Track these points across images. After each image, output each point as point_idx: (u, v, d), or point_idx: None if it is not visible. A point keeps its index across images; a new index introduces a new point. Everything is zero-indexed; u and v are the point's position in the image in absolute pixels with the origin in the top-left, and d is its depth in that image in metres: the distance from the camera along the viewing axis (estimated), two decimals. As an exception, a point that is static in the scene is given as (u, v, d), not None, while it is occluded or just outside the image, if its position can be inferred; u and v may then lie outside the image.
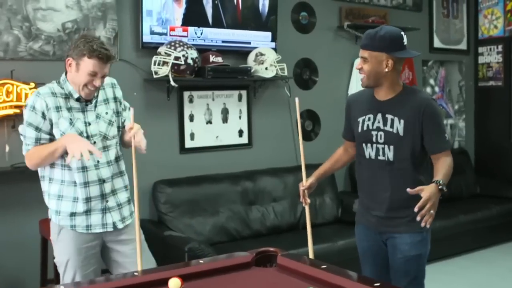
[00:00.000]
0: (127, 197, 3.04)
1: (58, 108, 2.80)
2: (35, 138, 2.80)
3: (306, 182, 3.23)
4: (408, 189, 2.61)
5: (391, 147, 2.82)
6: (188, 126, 4.80)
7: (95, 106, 2.92)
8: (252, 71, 4.82)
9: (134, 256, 2.82)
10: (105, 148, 2.92)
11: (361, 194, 3.07)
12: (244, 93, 5.10)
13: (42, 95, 2.80)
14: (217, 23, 4.80)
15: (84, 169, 2.84)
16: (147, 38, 4.45)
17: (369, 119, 2.90)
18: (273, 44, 5.09)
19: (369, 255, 3.06)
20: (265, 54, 4.85)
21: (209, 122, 4.93)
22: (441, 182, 2.64)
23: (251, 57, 4.89)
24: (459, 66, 6.93)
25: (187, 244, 3.90)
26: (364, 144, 2.93)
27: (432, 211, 2.54)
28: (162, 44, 4.45)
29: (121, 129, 3.03)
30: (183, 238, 4.08)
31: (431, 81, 6.67)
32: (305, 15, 5.52)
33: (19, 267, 4.10)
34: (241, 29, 4.94)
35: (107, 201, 2.91)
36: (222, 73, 4.61)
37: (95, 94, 2.91)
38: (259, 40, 5.02)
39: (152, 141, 4.53)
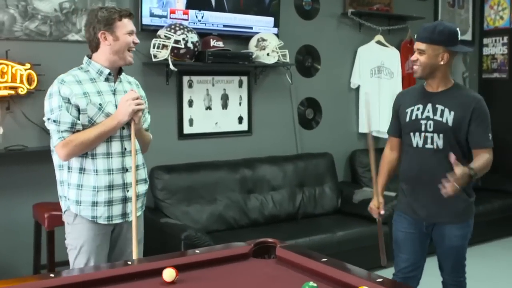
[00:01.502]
0: (145, 189, 2.94)
1: (86, 94, 2.68)
2: (71, 123, 2.64)
3: (378, 207, 3.22)
4: (451, 153, 2.75)
5: (441, 135, 2.94)
6: (187, 112, 4.71)
7: (125, 92, 2.79)
8: (253, 56, 4.72)
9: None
10: (130, 137, 2.80)
11: (406, 184, 3.13)
12: (244, 79, 5.00)
13: (67, 82, 2.68)
14: (220, 7, 4.69)
15: (109, 155, 2.74)
16: (146, 20, 4.35)
17: (418, 109, 3.02)
18: (275, 30, 4.98)
19: (409, 243, 3.16)
20: (267, 40, 4.75)
21: (209, 108, 4.83)
22: (473, 169, 2.77)
23: (253, 42, 4.78)
24: (463, 57, 6.81)
25: (184, 232, 3.81)
26: (412, 133, 3.03)
27: (457, 186, 2.69)
28: (161, 27, 4.35)
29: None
30: (179, 226, 4.00)
31: (435, 72, 6.56)
32: (309, 1, 5.40)
33: (11, 252, 4.02)
34: (243, 13, 4.83)
35: (127, 191, 2.79)
36: (223, 58, 4.51)
37: (120, 79, 2.85)
38: (261, 25, 4.91)
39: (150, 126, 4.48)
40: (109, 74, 2.77)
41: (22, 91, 3.89)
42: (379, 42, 5.79)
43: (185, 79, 4.68)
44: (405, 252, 3.20)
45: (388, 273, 4.80)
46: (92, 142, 2.66)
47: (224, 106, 4.92)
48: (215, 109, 4.86)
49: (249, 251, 2.40)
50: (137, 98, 2.69)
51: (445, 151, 2.91)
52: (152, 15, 4.36)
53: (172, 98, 4.66)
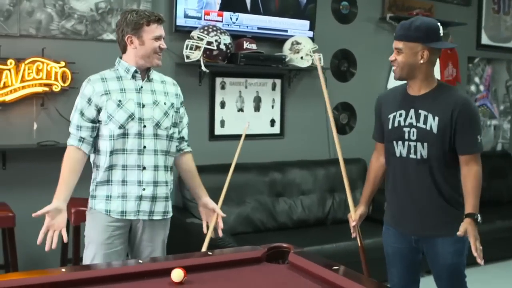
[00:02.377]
0: (165, 193, 2.90)
1: (106, 91, 2.76)
2: (76, 125, 2.77)
3: (355, 215, 3.14)
4: (458, 233, 2.62)
5: (425, 144, 2.71)
6: (218, 113, 4.73)
7: (153, 92, 2.85)
8: (286, 59, 4.70)
9: (152, 252, 2.87)
10: (155, 136, 2.82)
11: (392, 195, 2.96)
12: (278, 82, 4.99)
13: (91, 81, 2.80)
14: (255, 9, 4.70)
15: (124, 151, 2.78)
16: (180, 21, 4.39)
17: (400, 115, 2.79)
18: (310, 33, 4.95)
19: (398, 257, 2.98)
20: (301, 43, 4.73)
21: (241, 110, 4.84)
22: (475, 216, 2.66)
23: (287, 45, 4.77)
24: (507, 65, 6.64)
25: (208, 232, 3.82)
26: (395, 142, 2.82)
27: (481, 247, 2.60)
28: (195, 28, 4.38)
29: (177, 126, 2.98)
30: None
31: (476, 79, 6.41)
32: (346, 5, 5.35)
33: (42, 245, 4.10)
34: (278, 16, 4.82)
35: (143, 189, 2.80)
36: (255, 60, 4.51)
37: (150, 77, 2.88)
38: (296, 29, 4.89)
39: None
40: (135, 71, 2.82)
41: (56, 88, 3.98)
42: (418, 48, 5.68)
43: (218, 80, 4.70)
44: (396, 266, 3.01)
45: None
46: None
47: (257, 108, 4.92)
48: (247, 111, 4.87)
49: (262, 255, 2.39)
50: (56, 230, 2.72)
51: (429, 161, 2.72)
52: (186, 16, 4.40)
53: (204, 99, 4.68)
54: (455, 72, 5.99)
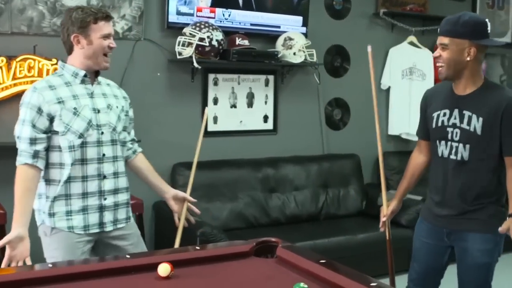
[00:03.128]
0: (126, 199, 2.79)
1: (59, 99, 2.55)
2: (29, 138, 2.52)
3: (387, 210, 3.11)
4: (499, 229, 2.58)
5: (467, 146, 2.64)
6: (211, 109, 4.73)
7: (104, 95, 2.69)
8: (279, 55, 4.71)
9: (132, 251, 2.68)
10: (113, 142, 2.70)
11: (431, 192, 2.88)
12: (271, 78, 5.00)
13: (38, 89, 2.56)
14: (247, 5, 4.70)
15: (83, 161, 2.60)
16: (173, 18, 4.39)
17: (444, 115, 2.72)
18: (303, 29, 4.95)
19: (423, 253, 2.94)
20: (294, 39, 4.73)
21: (234, 106, 4.85)
22: None
23: (280, 41, 4.77)
24: (502, 60, 6.64)
25: (200, 228, 3.84)
26: (438, 141, 2.76)
27: None
28: (188, 24, 4.38)
29: (126, 129, 2.83)
30: (196, 222, 3.99)
31: (471, 74, 6.41)
32: (340, 1, 5.35)
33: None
34: (271, 12, 4.82)
35: (105, 199, 2.66)
36: (248, 56, 4.51)
37: (98, 80, 2.72)
38: (289, 25, 4.89)
39: (174, 123, 4.53)
40: (85, 75, 2.63)
41: (48, 85, 3.97)
42: (411, 43, 5.69)
43: (211, 76, 4.70)
44: (419, 262, 2.98)
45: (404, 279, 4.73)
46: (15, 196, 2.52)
47: (250, 104, 4.92)
48: (240, 107, 4.87)
49: (250, 250, 2.39)
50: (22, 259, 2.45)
51: (470, 164, 2.65)
52: (178, 13, 4.40)
53: (197, 96, 4.69)
54: (449, 67, 5.99)
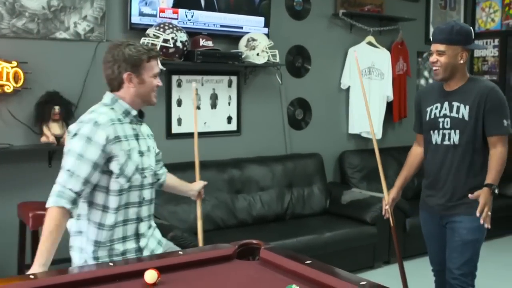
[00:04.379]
0: (153, 230, 2.73)
1: (117, 138, 2.43)
2: (84, 178, 2.34)
3: (388, 198, 3.40)
4: (469, 195, 2.93)
5: (457, 131, 3.03)
6: (175, 111, 4.69)
7: (143, 137, 2.60)
8: (243, 56, 4.70)
9: None
10: (152, 185, 2.64)
11: (426, 181, 3.25)
12: (234, 79, 4.99)
13: (102, 125, 2.39)
14: (210, 7, 4.67)
15: (127, 205, 2.52)
16: (135, 19, 4.32)
17: (436, 108, 3.11)
18: (265, 30, 4.97)
19: (433, 237, 3.29)
20: (257, 40, 4.73)
21: (197, 107, 4.80)
22: (493, 186, 2.93)
23: (243, 42, 4.77)
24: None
25: (170, 232, 3.80)
26: (431, 131, 3.13)
27: (489, 213, 2.88)
28: (151, 26, 4.32)
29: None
30: (166, 226, 3.98)
31: (425, 73, 6.57)
32: (300, 1, 5.39)
33: (-4, 250, 3.98)
34: (234, 13, 4.81)
35: (139, 242, 2.60)
36: (212, 57, 4.49)
37: (142, 121, 2.64)
38: (252, 25, 4.90)
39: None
40: (134, 116, 2.55)
41: (9, 89, 3.86)
42: (370, 43, 5.78)
43: (174, 78, 4.65)
44: (430, 245, 3.34)
45: (376, 273, 4.83)
46: (42, 239, 2.33)
47: (213, 105, 4.90)
48: (204, 108, 4.84)
49: (233, 253, 2.38)
50: None
51: (460, 146, 3.03)
52: (141, 14, 4.34)
53: (161, 98, 4.62)
54: (406, 66, 6.12)
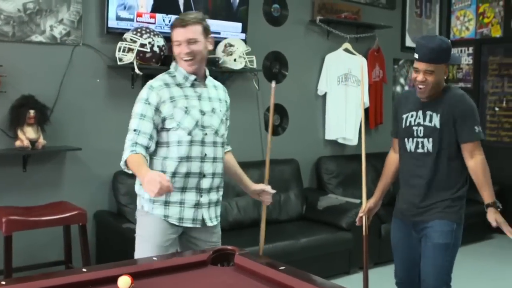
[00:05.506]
0: (217, 198, 2.96)
1: (172, 99, 2.75)
2: (150, 134, 2.73)
3: (365, 206, 3.34)
4: (493, 224, 2.97)
5: (430, 139, 3.03)
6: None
7: (210, 99, 2.88)
8: (220, 62, 4.71)
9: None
10: (215, 144, 2.88)
11: (401, 187, 3.23)
12: (211, 84, 4.98)
13: (155, 88, 2.76)
14: (187, 11, 4.66)
15: (189, 158, 2.78)
16: (112, 23, 4.30)
17: (412, 116, 3.11)
18: (243, 36, 4.98)
19: (399, 247, 3.25)
20: (234, 45, 4.74)
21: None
22: (496, 204, 2.99)
23: (220, 47, 4.77)
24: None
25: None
26: (406, 139, 3.13)
27: (501, 221, 2.94)
28: (128, 30, 4.31)
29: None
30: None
31: (401, 80, 6.64)
32: (277, 8, 5.42)
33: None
34: (211, 18, 4.78)
35: (201, 196, 2.84)
36: (189, 62, 4.48)
37: (205, 83, 2.89)
38: (229, 31, 4.91)
39: (114, 130, 4.43)
40: (195, 80, 2.83)
41: (-17, 92, 3.82)
42: (346, 50, 5.83)
43: (151, 83, 4.63)
44: (397, 257, 3.28)
45: (352, 279, 4.85)
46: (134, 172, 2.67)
47: (190, 111, 4.89)
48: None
49: (208, 259, 2.38)
50: (164, 188, 2.47)
51: (433, 154, 3.03)
52: (118, 18, 4.32)
53: (138, 102, 4.60)
54: (382, 73, 6.18)
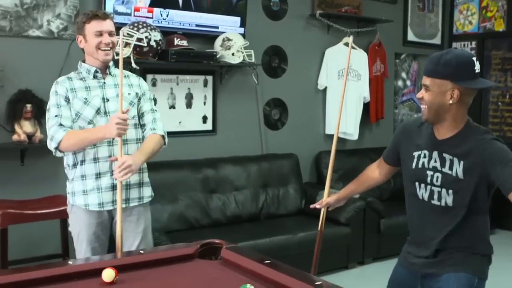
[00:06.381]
0: (138, 180, 3.07)
1: (72, 90, 2.93)
2: (70, 117, 2.90)
3: (324, 200, 3.01)
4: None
5: (450, 191, 2.39)
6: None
7: (116, 85, 3.01)
8: (218, 56, 4.71)
9: (135, 239, 3.02)
10: None
11: (410, 234, 2.63)
12: (210, 78, 4.99)
13: (60, 82, 2.95)
14: (186, 6, 4.67)
15: (94, 145, 2.92)
16: (109, 17, 4.31)
17: (424, 156, 2.48)
18: (241, 30, 4.97)
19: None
20: (232, 39, 4.74)
21: (172, 107, 4.81)
22: None
23: (218, 42, 4.77)
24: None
25: (141, 231, 3.78)
26: (417, 183, 2.50)
27: None
28: (125, 24, 4.31)
29: (140, 114, 3.13)
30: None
31: (403, 75, 6.62)
32: (277, 2, 5.41)
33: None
34: (210, 13, 4.81)
35: (115, 179, 2.92)
36: (186, 57, 4.49)
37: (112, 72, 3.04)
38: (228, 25, 4.90)
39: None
40: (96, 71, 2.99)
41: (-20, 86, 3.84)
42: (347, 44, 5.79)
43: (149, 77, 4.65)
44: None
45: (350, 274, 4.86)
46: (81, 143, 2.88)
47: (189, 105, 4.90)
48: (179, 108, 4.84)
49: (195, 252, 2.40)
50: (124, 120, 2.77)
51: (455, 209, 2.38)
52: (115, 12, 4.32)
53: (135, 96, 4.62)
54: (383, 67, 6.16)
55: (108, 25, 2.94)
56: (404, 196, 2.62)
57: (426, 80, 2.36)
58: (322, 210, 3.11)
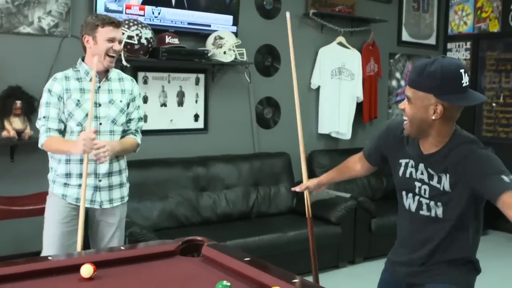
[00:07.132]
0: (119, 181, 3.18)
1: (68, 90, 3.00)
2: (57, 118, 2.99)
3: (304, 184, 3.00)
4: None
5: (439, 203, 2.29)
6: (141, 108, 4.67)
7: (110, 91, 3.09)
8: (209, 54, 4.71)
9: (111, 239, 3.15)
10: (111, 132, 3.10)
11: (398, 241, 2.55)
12: (201, 76, 4.99)
13: (58, 79, 3.02)
14: (179, 4, 4.67)
15: None
16: (101, 15, 4.31)
17: (412, 166, 2.35)
18: (234, 28, 4.98)
19: None
20: (224, 38, 4.74)
21: (164, 104, 4.82)
22: None
23: (210, 40, 4.77)
24: (427, 61, 6.86)
25: (129, 228, 3.79)
26: (404, 192, 2.41)
27: None
28: (116, 22, 4.31)
29: (127, 119, 3.19)
30: (126, 222, 3.96)
31: (397, 75, 6.62)
32: (270, 0, 5.41)
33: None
34: (202, 11, 4.81)
35: (100, 181, 3.07)
36: (177, 55, 4.49)
37: (108, 77, 3.10)
38: (220, 23, 4.90)
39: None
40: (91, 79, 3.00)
41: (-31, 82, 3.84)
42: (340, 44, 5.81)
43: (140, 75, 4.65)
44: None
45: (341, 273, 4.86)
46: (57, 152, 3.02)
47: (180, 103, 4.90)
48: (170, 106, 4.85)
49: (176, 249, 2.39)
50: (92, 139, 2.83)
51: (444, 221, 2.29)
52: (107, 10, 4.33)
53: (127, 94, 4.62)
54: (377, 67, 6.16)
55: (120, 33, 3.06)
56: (396, 196, 2.52)
57: (409, 91, 2.20)
58: (306, 194, 3.16)
